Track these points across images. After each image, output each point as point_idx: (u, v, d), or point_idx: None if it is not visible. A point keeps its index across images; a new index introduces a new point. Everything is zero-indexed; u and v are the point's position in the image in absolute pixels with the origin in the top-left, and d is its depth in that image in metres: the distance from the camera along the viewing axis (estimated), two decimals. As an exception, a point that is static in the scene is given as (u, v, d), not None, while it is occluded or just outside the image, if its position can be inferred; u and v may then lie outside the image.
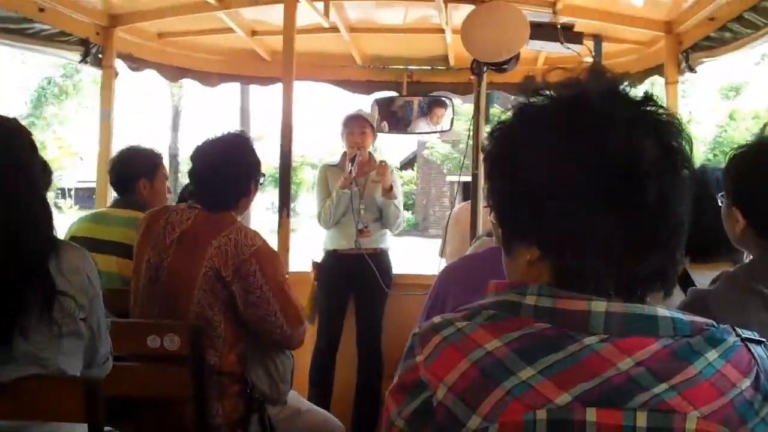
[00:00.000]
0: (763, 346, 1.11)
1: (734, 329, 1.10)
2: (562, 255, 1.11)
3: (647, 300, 1.12)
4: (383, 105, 5.51)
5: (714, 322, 1.09)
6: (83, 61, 4.60)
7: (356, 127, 5.18)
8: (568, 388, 1.01)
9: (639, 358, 1.03)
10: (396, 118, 5.51)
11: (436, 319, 1.15)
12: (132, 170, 3.91)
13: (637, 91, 1.16)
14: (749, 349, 1.09)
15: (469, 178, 4.22)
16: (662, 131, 1.11)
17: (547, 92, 1.16)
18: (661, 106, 1.14)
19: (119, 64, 4.96)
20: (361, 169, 5.13)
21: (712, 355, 1.05)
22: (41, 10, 3.99)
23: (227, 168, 3.11)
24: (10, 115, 2.09)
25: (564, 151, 1.09)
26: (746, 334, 1.11)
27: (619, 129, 1.08)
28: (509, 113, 1.20)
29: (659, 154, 1.09)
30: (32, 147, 2.09)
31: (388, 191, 5.10)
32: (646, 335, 1.05)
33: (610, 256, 1.09)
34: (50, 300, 1.97)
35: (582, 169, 1.08)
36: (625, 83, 1.16)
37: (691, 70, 4.43)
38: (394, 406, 1.11)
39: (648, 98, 1.14)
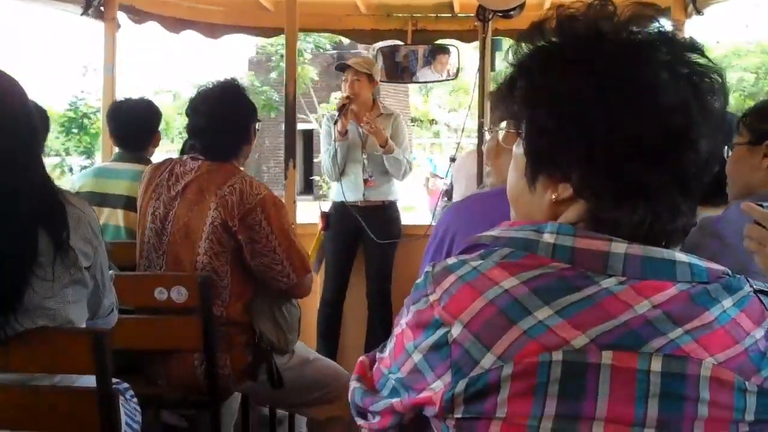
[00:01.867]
0: None
1: (747, 280, 1.09)
2: (600, 200, 1.09)
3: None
4: (386, 54, 5.46)
5: (729, 271, 1.08)
6: (85, 13, 4.56)
7: (349, 74, 5.14)
8: (584, 329, 1.00)
9: (656, 300, 1.02)
10: (400, 68, 5.47)
11: (450, 259, 1.13)
12: (150, 125, 3.93)
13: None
14: (761, 301, 1.08)
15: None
16: (704, 88, 1.08)
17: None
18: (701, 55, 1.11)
19: (120, 17, 4.91)
20: (360, 117, 5.09)
21: (727, 302, 1.04)
22: (41, -38, 3.95)
23: (224, 116, 3.10)
24: None
25: (618, 98, 1.06)
26: (758, 285, 1.09)
27: (669, 81, 1.06)
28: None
29: (705, 115, 1.07)
30: (25, 97, 2.07)
31: (383, 146, 5.08)
32: (664, 279, 1.04)
33: (650, 209, 1.07)
34: (60, 251, 1.98)
35: (637, 120, 1.05)
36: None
37: (698, 12, 4.39)
38: (411, 338, 1.10)
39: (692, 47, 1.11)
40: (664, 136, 1.05)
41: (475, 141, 4.93)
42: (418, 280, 1.14)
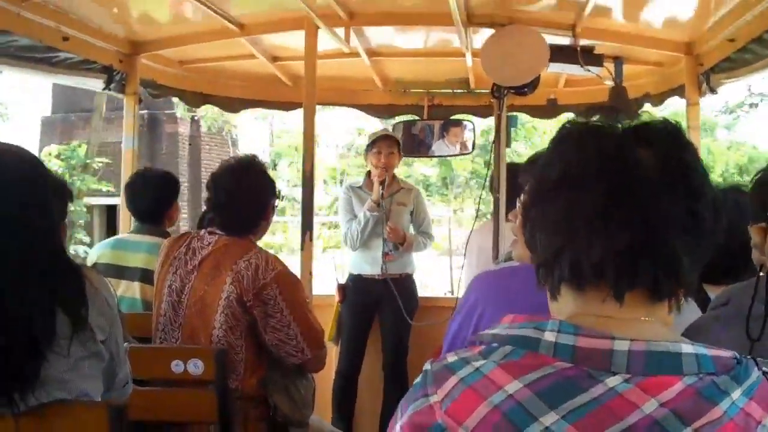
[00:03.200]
0: None
1: (756, 362, 1.06)
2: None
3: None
4: (404, 128, 5.54)
5: (738, 356, 1.05)
6: (107, 88, 4.64)
7: (385, 147, 5.17)
8: None
9: (663, 398, 0.98)
10: (417, 141, 5.53)
11: (450, 357, 1.10)
12: (164, 198, 3.95)
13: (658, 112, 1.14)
14: None
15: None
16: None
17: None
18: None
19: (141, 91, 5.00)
20: (385, 191, 5.13)
21: (736, 393, 1.00)
22: (65, 38, 4.03)
23: (244, 192, 3.15)
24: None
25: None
26: (764, 366, 1.07)
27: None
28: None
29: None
30: (38, 166, 2.09)
31: (401, 244, 5.15)
32: (670, 374, 1.00)
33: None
34: (77, 327, 1.98)
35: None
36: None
37: (712, 91, 4.41)
38: None
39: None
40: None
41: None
42: (417, 380, 1.12)
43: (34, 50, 3.90)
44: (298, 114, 4.63)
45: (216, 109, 5.80)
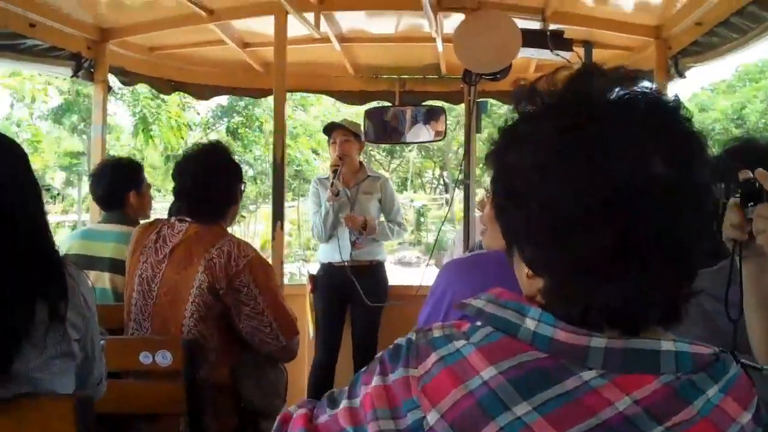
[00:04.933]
0: (763, 371, 1.09)
1: (735, 356, 1.06)
2: (553, 277, 1.07)
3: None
4: (375, 115, 5.52)
5: (718, 350, 1.04)
6: (75, 75, 4.59)
7: (339, 135, 5.20)
8: (561, 428, 0.97)
9: (637, 396, 0.98)
10: (389, 128, 5.52)
11: (437, 330, 1.10)
12: (120, 183, 3.88)
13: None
14: (749, 377, 1.05)
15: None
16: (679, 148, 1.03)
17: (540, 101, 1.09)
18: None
19: (110, 79, 4.95)
20: (348, 179, 5.13)
21: (712, 391, 1.00)
22: (32, 25, 3.99)
23: (210, 178, 3.13)
24: None
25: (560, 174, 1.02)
26: (745, 360, 1.07)
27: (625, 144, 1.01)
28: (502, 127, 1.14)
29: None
30: (26, 159, 2.07)
31: (361, 231, 5.14)
32: (646, 372, 1.00)
33: (616, 288, 1.02)
34: (54, 322, 1.96)
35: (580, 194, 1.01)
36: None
37: (681, 75, 4.44)
38: (384, 405, 1.07)
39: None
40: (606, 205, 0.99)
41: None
42: (401, 341, 1.12)
43: (0, 37, 3.85)
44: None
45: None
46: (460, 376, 1.02)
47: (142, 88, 16.93)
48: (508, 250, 1.15)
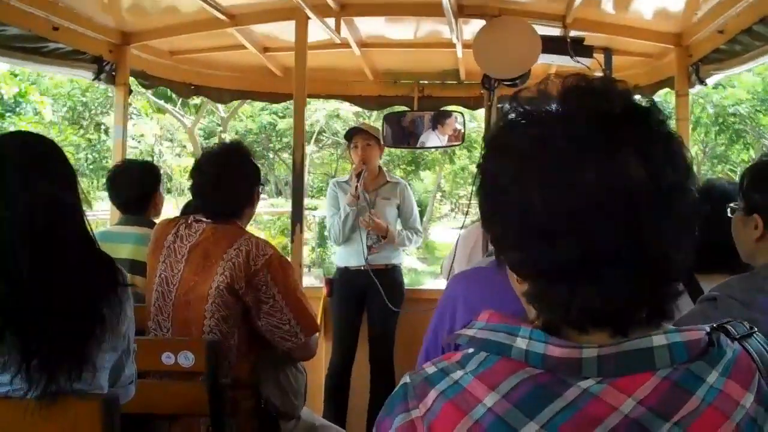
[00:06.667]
0: (755, 336, 1.08)
1: (726, 330, 1.07)
2: (534, 282, 1.07)
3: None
4: (392, 120, 5.52)
5: (708, 329, 1.05)
6: (97, 78, 4.62)
7: (361, 140, 5.19)
8: None
9: (639, 396, 0.98)
10: (406, 133, 5.52)
11: (429, 368, 1.11)
12: (149, 186, 3.94)
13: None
14: (747, 352, 1.05)
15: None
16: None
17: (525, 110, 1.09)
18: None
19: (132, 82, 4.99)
20: (368, 184, 5.14)
21: (712, 377, 1.01)
22: (55, 28, 4.01)
23: (227, 178, 3.13)
24: None
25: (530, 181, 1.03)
26: (739, 330, 1.08)
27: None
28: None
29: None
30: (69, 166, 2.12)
31: (383, 237, 5.14)
32: (643, 370, 1.00)
33: (595, 290, 1.02)
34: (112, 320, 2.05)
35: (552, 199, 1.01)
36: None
37: (702, 82, 4.43)
38: None
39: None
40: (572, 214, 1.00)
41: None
42: (396, 391, 1.12)
43: (24, 40, 3.88)
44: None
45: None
46: (464, 408, 1.03)
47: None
48: (496, 256, 1.16)
